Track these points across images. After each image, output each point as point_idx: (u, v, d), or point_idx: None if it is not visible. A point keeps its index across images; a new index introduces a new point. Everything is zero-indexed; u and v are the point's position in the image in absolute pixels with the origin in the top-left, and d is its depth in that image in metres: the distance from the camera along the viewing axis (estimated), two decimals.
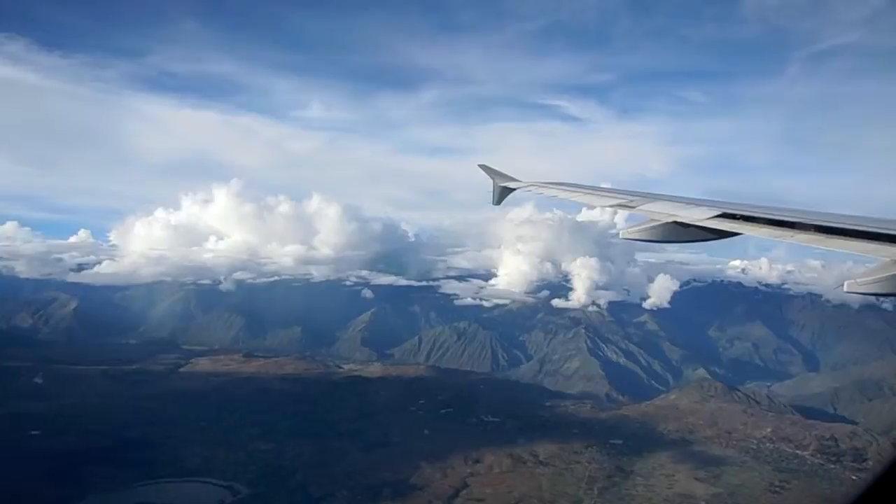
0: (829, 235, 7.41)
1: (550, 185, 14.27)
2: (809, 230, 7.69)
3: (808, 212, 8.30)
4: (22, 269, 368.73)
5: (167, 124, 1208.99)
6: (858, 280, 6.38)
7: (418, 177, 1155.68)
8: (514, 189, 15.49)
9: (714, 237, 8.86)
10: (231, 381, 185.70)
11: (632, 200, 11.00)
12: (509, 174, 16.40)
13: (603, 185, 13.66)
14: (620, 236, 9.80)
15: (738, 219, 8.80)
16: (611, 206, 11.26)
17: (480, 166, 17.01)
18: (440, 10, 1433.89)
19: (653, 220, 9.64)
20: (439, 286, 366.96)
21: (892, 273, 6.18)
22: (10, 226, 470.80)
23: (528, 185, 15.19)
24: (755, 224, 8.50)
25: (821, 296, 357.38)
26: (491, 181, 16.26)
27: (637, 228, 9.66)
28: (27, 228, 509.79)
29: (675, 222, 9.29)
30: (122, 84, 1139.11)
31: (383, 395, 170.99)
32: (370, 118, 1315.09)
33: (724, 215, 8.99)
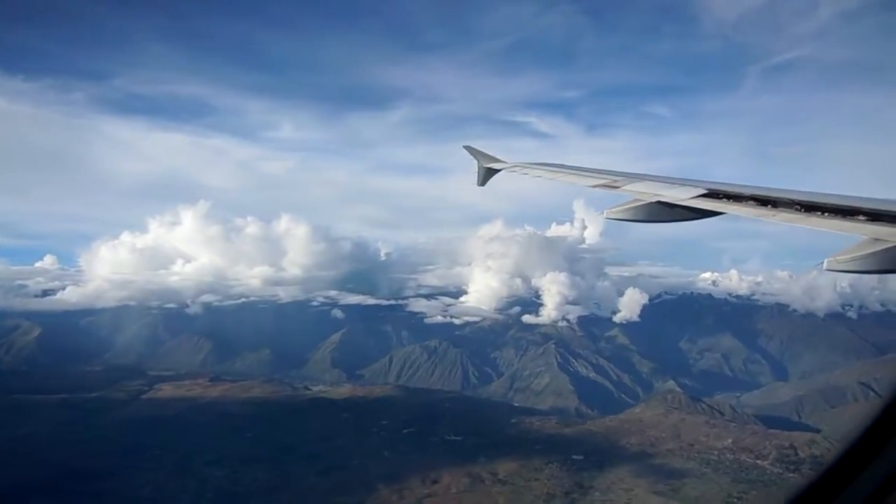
0: (811, 214, 7.36)
1: (535, 166, 14.12)
2: (792, 208, 7.66)
3: (791, 191, 8.21)
4: None
5: (137, 147, 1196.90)
6: (838, 258, 6.26)
7: (393, 196, 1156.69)
8: (499, 170, 15.37)
9: (698, 217, 8.79)
10: (193, 407, 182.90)
11: (616, 180, 10.89)
12: (492, 166, 15.94)
13: (582, 167, 13.24)
14: (605, 216, 9.68)
15: (721, 198, 8.70)
16: (595, 186, 11.08)
17: (465, 147, 16.83)
18: (407, 29, 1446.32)
19: (637, 200, 9.49)
20: (411, 305, 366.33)
21: (870, 251, 6.11)
22: None
23: (512, 166, 15.05)
24: (739, 203, 8.40)
25: (788, 305, 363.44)
26: (476, 162, 16.16)
27: (621, 209, 9.48)
28: None
29: (660, 202, 9.18)
30: (90, 107, 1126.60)
31: (346, 417, 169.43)
32: (343, 138, 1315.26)
33: (708, 195, 8.88)
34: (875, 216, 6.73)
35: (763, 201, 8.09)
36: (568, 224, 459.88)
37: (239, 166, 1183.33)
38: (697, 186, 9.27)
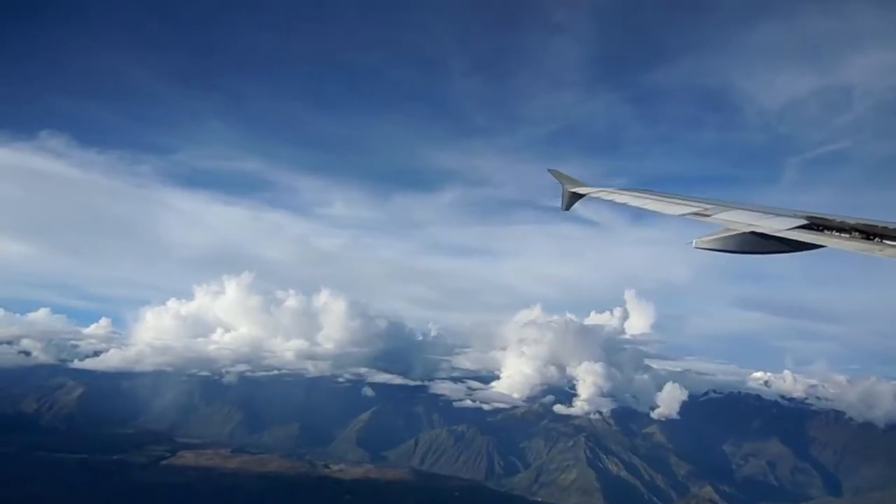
0: None
1: (621, 192, 13.88)
2: None
3: None
4: (38, 355, 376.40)
5: (198, 218, 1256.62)
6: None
7: (441, 276, 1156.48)
8: (583, 195, 15.19)
9: (794, 249, 8.23)
10: (205, 477, 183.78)
11: (706, 209, 10.57)
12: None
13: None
14: (693, 246, 9.02)
15: (822, 229, 8.04)
16: (683, 214, 10.73)
17: (550, 171, 17.12)
18: (453, 114, 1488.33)
19: (728, 229, 9.05)
20: (442, 387, 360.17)
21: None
22: (41, 312, 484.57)
23: (598, 191, 14.78)
24: (840, 236, 7.66)
25: (845, 413, 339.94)
26: (560, 186, 16.28)
27: (711, 238, 9.06)
28: (62, 315, 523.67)
29: (753, 232, 8.68)
30: (156, 179, 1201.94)
31: (348, 499, 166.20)
32: (393, 217, 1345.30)
33: (806, 226, 8.28)
34: None
35: (870, 234, 7.30)
36: (608, 313, 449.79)
37: (293, 240, 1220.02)
38: (796, 216, 8.74)
